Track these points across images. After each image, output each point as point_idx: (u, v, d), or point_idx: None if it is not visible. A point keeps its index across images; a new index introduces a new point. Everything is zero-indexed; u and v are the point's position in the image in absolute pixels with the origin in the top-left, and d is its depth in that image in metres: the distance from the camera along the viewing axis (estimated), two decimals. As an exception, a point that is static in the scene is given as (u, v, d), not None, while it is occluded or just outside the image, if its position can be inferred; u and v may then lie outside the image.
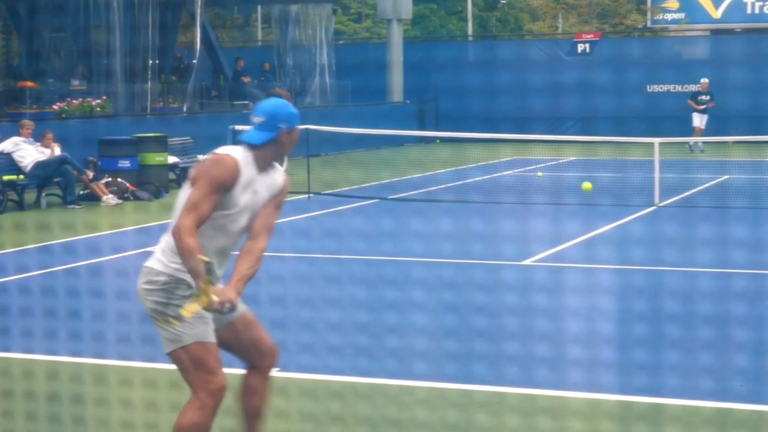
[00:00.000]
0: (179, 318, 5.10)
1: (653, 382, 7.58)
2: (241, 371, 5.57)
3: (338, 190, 18.95)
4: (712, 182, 21.49)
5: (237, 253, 5.30)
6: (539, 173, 23.00)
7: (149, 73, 27.27)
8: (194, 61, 29.16)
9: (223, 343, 5.38)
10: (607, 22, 47.66)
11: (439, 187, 20.88)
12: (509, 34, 48.04)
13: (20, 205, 17.97)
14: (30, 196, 18.52)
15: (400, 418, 6.87)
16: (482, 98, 32.51)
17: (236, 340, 5.41)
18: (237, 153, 5.18)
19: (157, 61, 27.70)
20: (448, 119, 34.08)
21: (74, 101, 23.98)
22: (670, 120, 31.43)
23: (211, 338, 5.21)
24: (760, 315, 9.82)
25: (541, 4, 50.23)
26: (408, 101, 35.27)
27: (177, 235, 4.99)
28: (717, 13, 46.06)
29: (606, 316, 9.80)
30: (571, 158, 27.24)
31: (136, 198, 19.22)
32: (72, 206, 18.06)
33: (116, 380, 7.85)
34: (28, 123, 19.06)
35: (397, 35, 35.26)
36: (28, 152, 18.43)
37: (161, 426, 6.74)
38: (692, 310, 9.92)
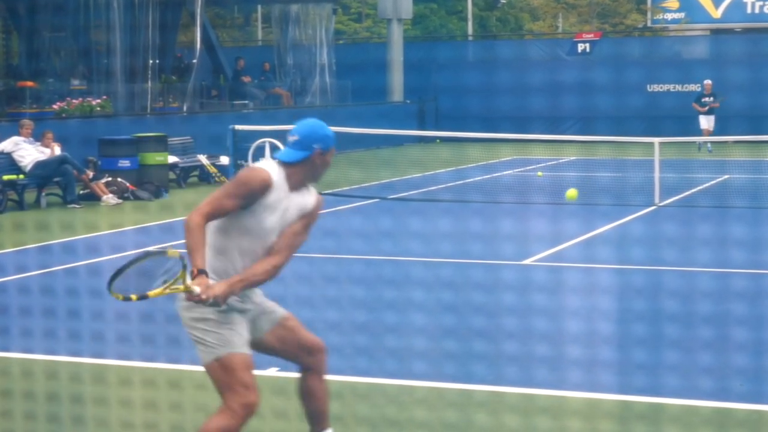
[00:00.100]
0: (142, 297, 5.15)
1: (653, 382, 7.58)
2: (297, 375, 5.66)
3: (338, 189, 18.92)
4: (712, 182, 21.48)
5: None
6: (539, 173, 22.99)
7: (149, 72, 27.24)
8: (194, 61, 29.15)
9: (272, 351, 5.52)
10: (607, 22, 47.64)
11: (439, 186, 20.87)
12: (509, 34, 48.04)
13: (20, 205, 17.96)
14: (30, 195, 18.51)
15: (400, 418, 6.87)
16: (482, 98, 32.46)
17: (283, 346, 5.52)
18: (272, 168, 5.27)
19: (157, 61, 27.67)
20: (448, 119, 34.05)
21: (74, 101, 23.97)
22: (670, 120, 31.43)
23: (245, 349, 5.26)
24: (759, 315, 9.82)
25: (541, 4, 50.20)
26: (408, 101, 35.25)
27: (186, 222, 5.11)
28: (717, 13, 46.03)
29: (606, 315, 9.80)
30: (571, 158, 27.23)
31: (136, 198, 19.22)
32: (72, 206, 18.06)
33: (115, 380, 7.85)
34: (28, 123, 19.06)
35: (397, 35, 35.25)
36: (28, 152, 18.43)
37: (161, 426, 6.75)
38: (692, 310, 9.92)
